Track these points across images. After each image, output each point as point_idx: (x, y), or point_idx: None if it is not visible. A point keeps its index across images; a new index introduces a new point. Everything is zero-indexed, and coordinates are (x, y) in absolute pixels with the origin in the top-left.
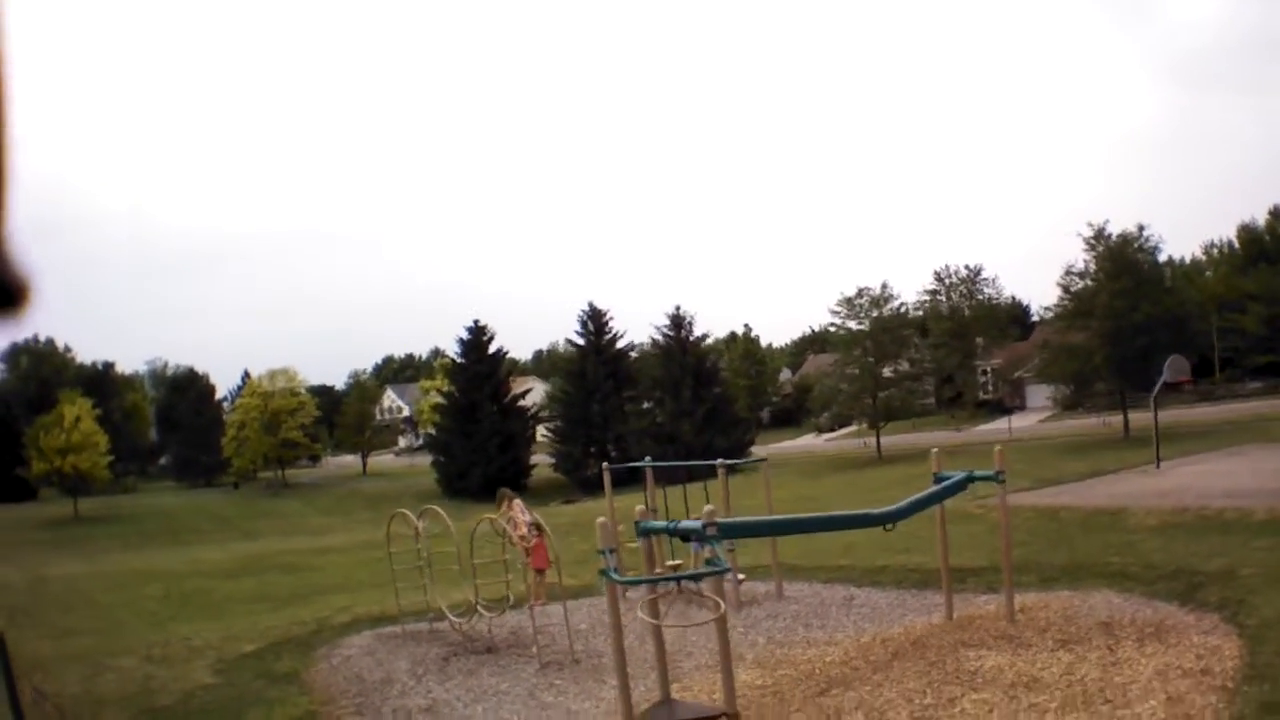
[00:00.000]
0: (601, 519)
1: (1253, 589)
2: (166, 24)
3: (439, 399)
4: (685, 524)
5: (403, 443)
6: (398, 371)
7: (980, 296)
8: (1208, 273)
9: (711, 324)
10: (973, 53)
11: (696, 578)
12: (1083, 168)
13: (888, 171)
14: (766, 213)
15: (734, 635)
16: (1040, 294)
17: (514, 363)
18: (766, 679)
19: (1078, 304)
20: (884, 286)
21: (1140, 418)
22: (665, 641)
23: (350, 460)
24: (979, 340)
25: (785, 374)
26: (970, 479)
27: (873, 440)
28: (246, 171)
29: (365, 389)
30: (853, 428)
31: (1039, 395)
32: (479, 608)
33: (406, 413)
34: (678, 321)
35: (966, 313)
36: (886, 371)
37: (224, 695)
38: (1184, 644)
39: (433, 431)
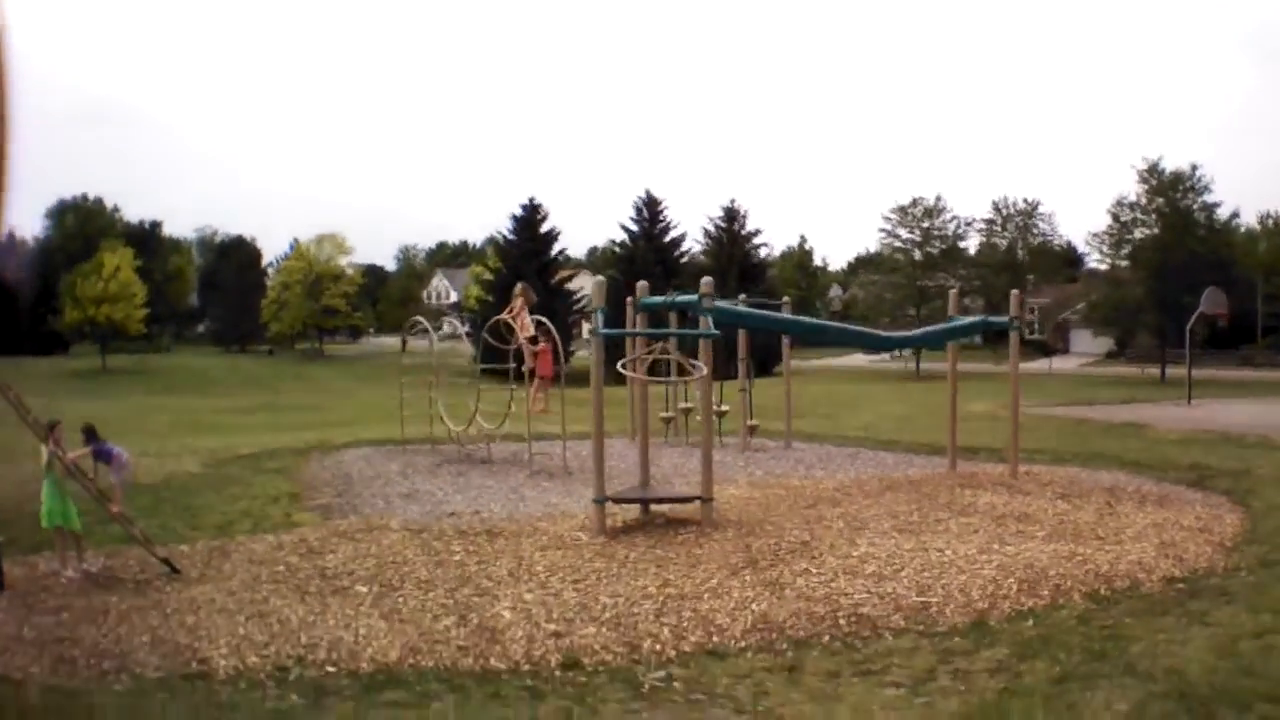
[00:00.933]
0: (598, 279)
1: (1263, 481)
2: None
3: (488, 276)
4: (681, 299)
5: (446, 327)
6: (451, 257)
7: (1035, 232)
8: (1261, 244)
9: (770, 237)
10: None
11: (683, 336)
12: (1154, 131)
13: (959, 101)
14: (833, 134)
15: (734, 468)
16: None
17: (568, 259)
18: (755, 494)
19: (1124, 231)
20: (938, 198)
21: (1178, 371)
22: (662, 462)
23: (390, 341)
24: (1030, 277)
25: (835, 290)
26: (986, 323)
27: (913, 363)
28: (305, 60)
29: (414, 268)
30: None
31: (1083, 341)
32: (478, 419)
33: (454, 298)
34: (731, 214)
35: (1020, 247)
36: (932, 285)
37: (206, 479)
38: (1186, 509)
39: (475, 309)
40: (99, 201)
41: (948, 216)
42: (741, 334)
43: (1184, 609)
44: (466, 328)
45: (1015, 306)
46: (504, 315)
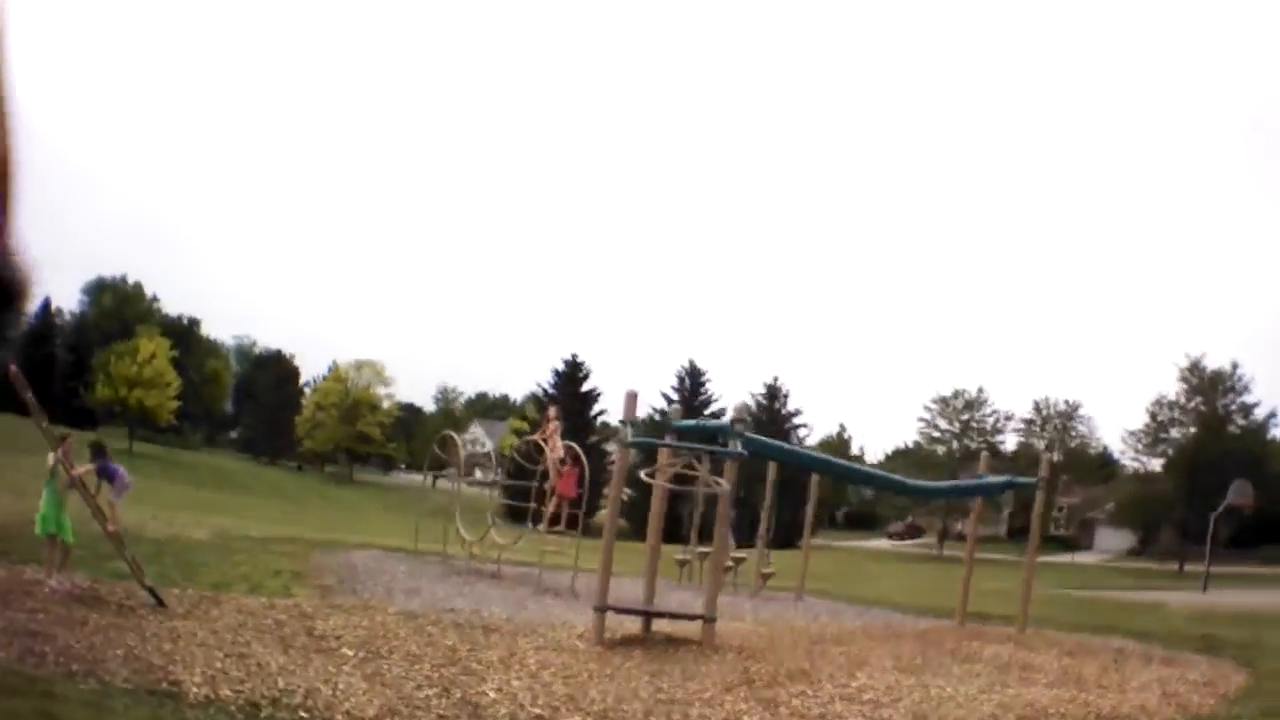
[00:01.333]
0: (630, 391)
1: (1271, 650)
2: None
3: (525, 427)
4: (712, 423)
5: (480, 475)
6: (490, 408)
7: (1073, 434)
8: None
9: (810, 418)
10: (1121, 195)
11: (709, 451)
12: (1195, 330)
13: (1008, 304)
14: (878, 323)
15: (743, 609)
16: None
17: (606, 425)
18: (760, 629)
19: (1160, 430)
20: (979, 390)
21: (1197, 568)
22: (669, 600)
23: (421, 479)
24: (1063, 477)
25: None
26: (1011, 484)
27: (938, 548)
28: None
29: (453, 412)
30: (923, 539)
31: (1107, 538)
32: (493, 534)
33: (489, 448)
34: (773, 392)
35: (1057, 447)
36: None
37: (212, 547)
38: (1191, 668)
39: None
40: (138, 285)
41: (988, 410)
42: (769, 489)
43: None
44: (494, 476)
45: (1045, 468)
46: (536, 436)
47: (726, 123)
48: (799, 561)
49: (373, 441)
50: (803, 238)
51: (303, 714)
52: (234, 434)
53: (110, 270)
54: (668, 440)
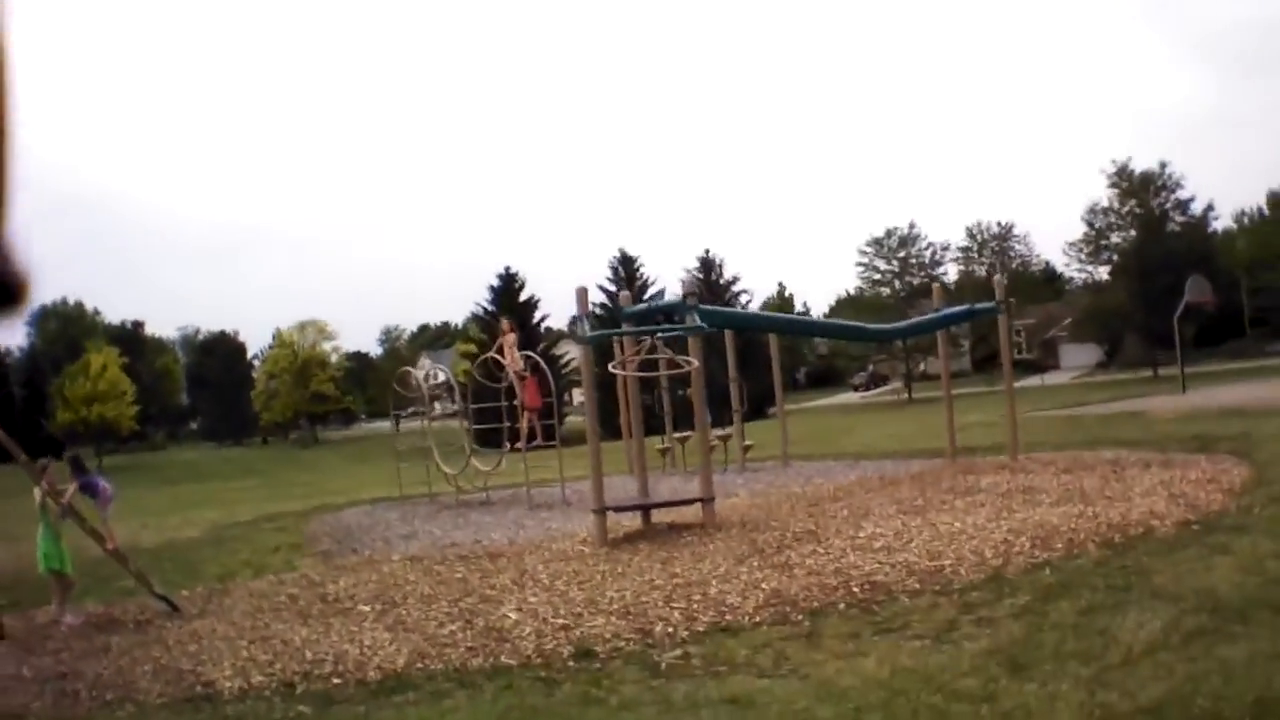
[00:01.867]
0: (580, 286)
1: (1265, 439)
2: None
3: (473, 349)
4: (665, 303)
5: (439, 408)
6: (434, 339)
7: (1012, 255)
8: (1239, 240)
9: (749, 284)
10: (1022, 14)
11: (670, 331)
12: (1122, 141)
13: (927, 130)
14: (798, 173)
15: (734, 485)
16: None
17: (549, 330)
18: (757, 500)
19: (1099, 237)
20: (911, 226)
21: (1171, 370)
22: (660, 489)
23: (384, 425)
24: (1012, 299)
25: None
26: (973, 312)
27: (905, 394)
28: (280, 147)
29: (400, 351)
30: (889, 386)
31: (1072, 355)
32: (474, 461)
33: (443, 378)
34: (707, 265)
35: (999, 270)
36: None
37: (207, 541)
38: (1191, 468)
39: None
40: (79, 305)
41: (923, 244)
42: (730, 358)
43: (1203, 543)
44: (457, 406)
45: (999, 291)
46: (492, 353)
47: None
48: (774, 430)
49: (329, 399)
50: (711, 99)
51: (336, 680)
52: (194, 425)
53: (47, 294)
54: (625, 329)
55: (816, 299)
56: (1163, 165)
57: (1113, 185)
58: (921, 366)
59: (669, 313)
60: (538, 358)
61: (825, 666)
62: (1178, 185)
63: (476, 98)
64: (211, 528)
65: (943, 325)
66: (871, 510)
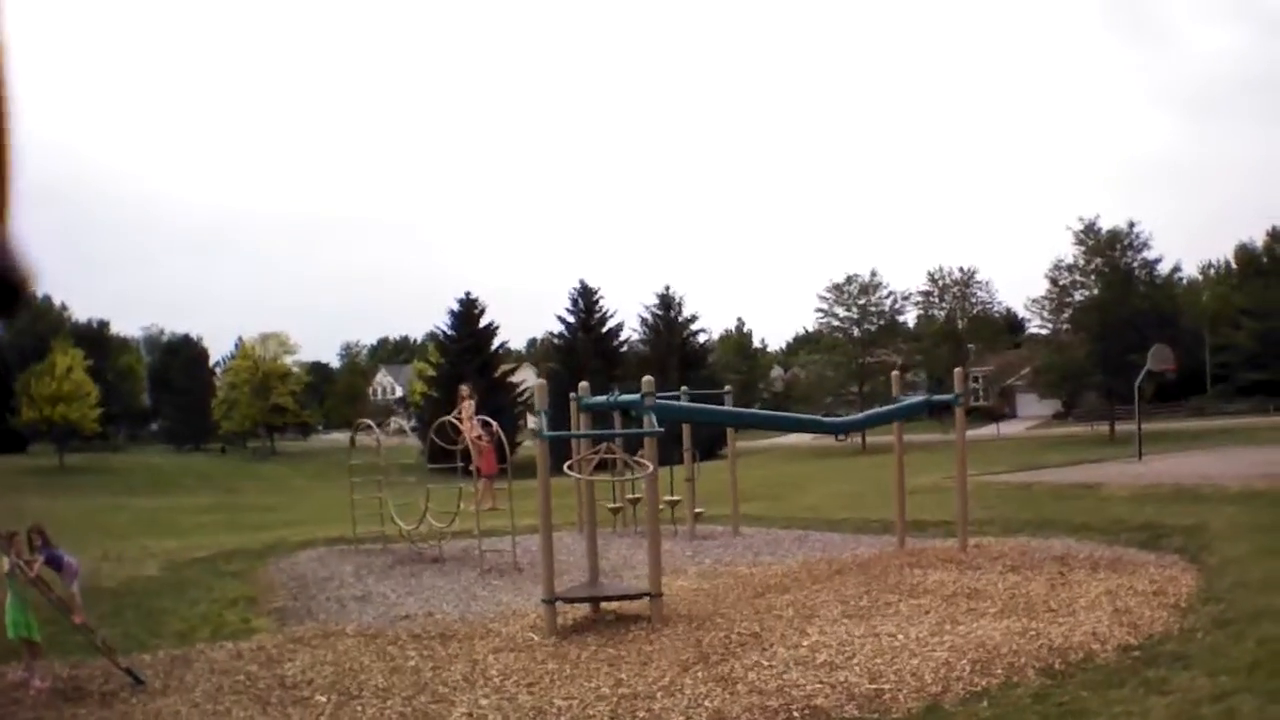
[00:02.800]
0: (540, 381)
1: (1217, 536)
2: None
3: (431, 372)
4: (624, 398)
5: (394, 424)
6: (393, 353)
7: (973, 300)
8: (1204, 294)
9: (707, 322)
10: (986, 68)
11: (628, 436)
12: (1088, 191)
13: (891, 177)
14: (766, 218)
15: (682, 558)
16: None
17: (509, 352)
18: (705, 585)
19: (1063, 294)
20: (873, 274)
21: (1127, 428)
22: (610, 554)
23: (339, 437)
24: (971, 346)
25: (777, 371)
26: (929, 403)
27: (859, 438)
28: (251, 153)
29: (358, 365)
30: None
31: (1030, 405)
32: (429, 518)
33: (400, 394)
34: (666, 302)
35: (959, 316)
36: (873, 361)
37: (166, 583)
38: (1139, 573)
39: (420, 404)
40: (47, 299)
41: (884, 292)
42: (686, 455)
43: (1141, 678)
44: (413, 423)
45: (959, 383)
46: (450, 418)
47: (599, 30)
48: (725, 477)
49: (287, 411)
50: (683, 135)
51: None
52: (155, 426)
53: None
54: (583, 420)
55: (775, 335)
56: (1131, 224)
57: (1079, 242)
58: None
59: (626, 407)
60: (494, 424)
61: None
62: (1145, 245)
63: (447, 118)
64: (170, 564)
65: (900, 417)
66: (817, 611)
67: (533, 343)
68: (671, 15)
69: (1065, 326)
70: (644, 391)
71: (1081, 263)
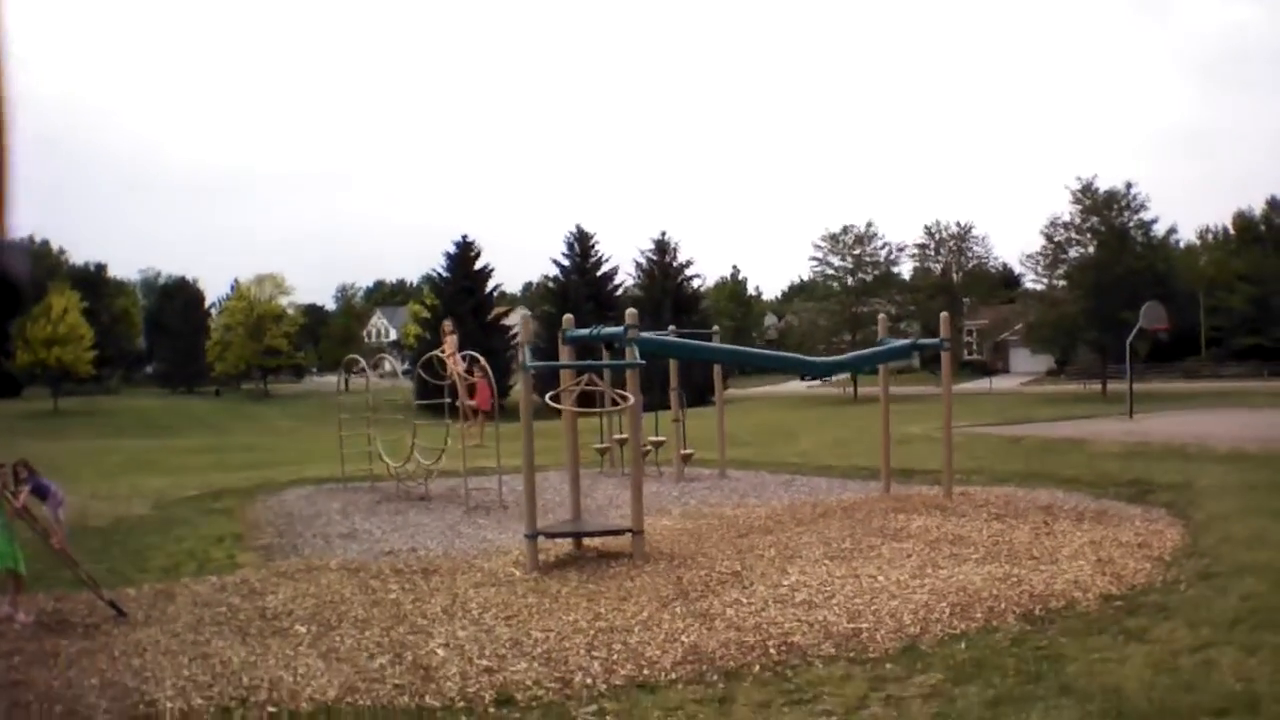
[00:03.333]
0: (524, 313)
1: (1205, 494)
2: None
3: (423, 313)
4: (607, 330)
5: (387, 364)
6: (389, 295)
7: (969, 255)
8: (1201, 259)
9: (703, 269)
10: (996, 23)
11: (610, 367)
12: (1091, 154)
13: (893, 130)
14: (763, 162)
15: (668, 499)
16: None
17: (504, 295)
18: (688, 525)
19: (1059, 251)
20: (869, 225)
21: (1120, 387)
22: (596, 494)
23: (332, 379)
24: (966, 300)
25: (771, 319)
26: (916, 346)
27: (850, 388)
28: (250, 97)
29: (353, 307)
30: (835, 379)
31: (1022, 360)
32: (416, 456)
33: (393, 336)
34: (662, 247)
35: (955, 270)
36: (866, 310)
37: (154, 521)
38: (1124, 526)
39: (414, 346)
40: (45, 243)
41: (879, 243)
42: (673, 364)
43: (1121, 627)
44: (405, 366)
45: (945, 328)
46: (436, 353)
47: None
48: (713, 423)
49: (282, 353)
50: (681, 81)
51: (271, 709)
52: (149, 369)
53: (16, 234)
54: (566, 352)
55: (770, 284)
56: (1128, 185)
57: (1076, 201)
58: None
59: (610, 340)
60: (483, 361)
61: None
62: (1142, 206)
63: (447, 65)
64: (159, 502)
65: (885, 360)
66: (799, 552)
67: (528, 286)
68: None
69: (1060, 283)
70: (627, 324)
71: (1078, 221)
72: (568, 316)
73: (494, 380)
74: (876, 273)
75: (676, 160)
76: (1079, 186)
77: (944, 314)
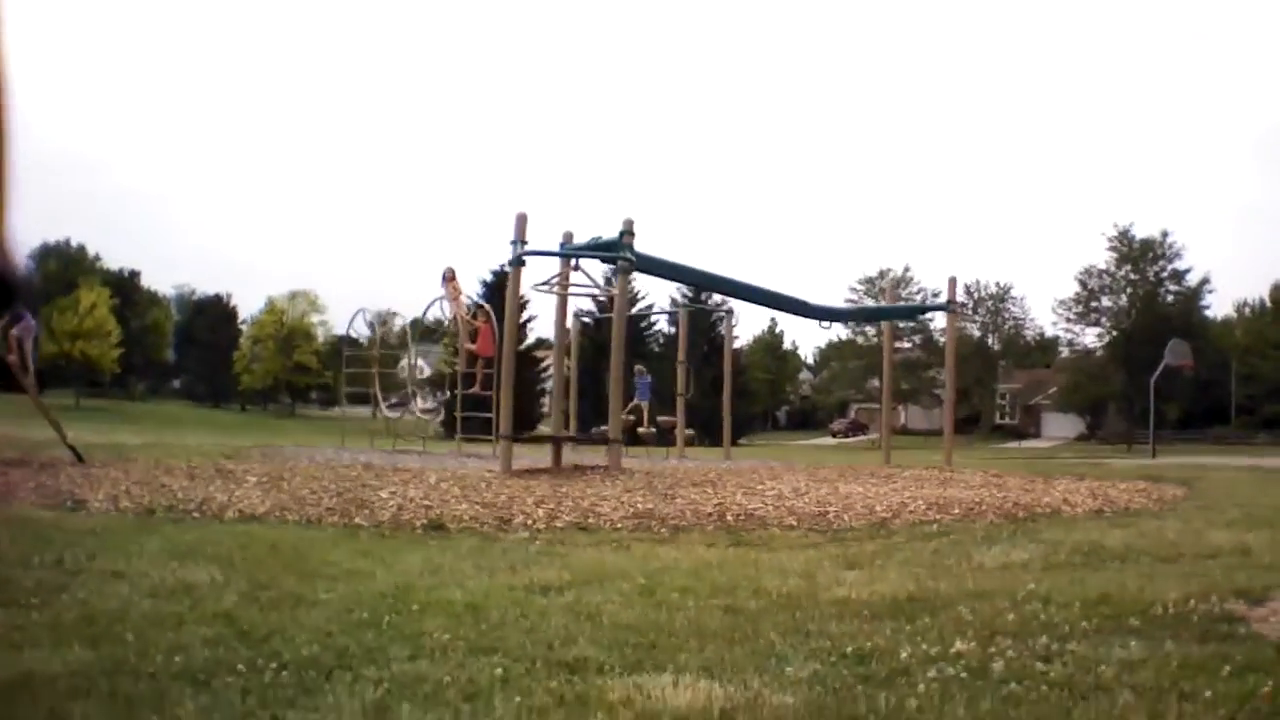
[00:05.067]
0: (520, 212)
1: (1210, 480)
2: None
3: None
4: (604, 240)
5: (420, 402)
6: (427, 333)
7: (1006, 316)
8: (1237, 331)
9: (741, 322)
10: (1046, 77)
11: (595, 254)
12: (1138, 220)
13: (935, 186)
14: (801, 215)
15: (663, 463)
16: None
17: (538, 341)
18: (673, 464)
19: (1091, 298)
20: (906, 269)
21: (1147, 448)
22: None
23: (363, 411)
24: (1001, 363)
25: (805, 375)
26: (922, 308)
27: (878, 444)
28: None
29: (389, 341)
30: (866, 437)
31: (1055, 425)
32: (417, 409)
33: (428, 374)
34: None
35: (991, 330)
36: (900, 357)
37: (149, 445)
38: (1130, 487)
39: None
40: (80, 248)
41: (915, 288)
42: (680, 368)
43: (1106, 521)
44: (438, 403)
45: (950, 290)
46: (438, 300)
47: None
48: (746, 452)
49: (310, 371)
50: (726, 113)
51: (195, 515)
52: (177, 383)
53: (50, 234)
54: (562, 258)
55: (806, 341)
56: (1164, 234)
57: (1112, 248)
58: (901, 420)
59: (606, 248)
60: (489, 307)
61: (661, 553)
62: (1176, 255)
63: (496, 106)
64: (157, 444)
65: (887, 317)
66: (781, 476)
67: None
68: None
69: (1091, 334)
70: (622, 230)
71: (1112, 269)
72: (567, 230)
73: (496, 327)
74: (912, 322)
75: (712, 193)
76: (1115, 233)
77: (951, 276)
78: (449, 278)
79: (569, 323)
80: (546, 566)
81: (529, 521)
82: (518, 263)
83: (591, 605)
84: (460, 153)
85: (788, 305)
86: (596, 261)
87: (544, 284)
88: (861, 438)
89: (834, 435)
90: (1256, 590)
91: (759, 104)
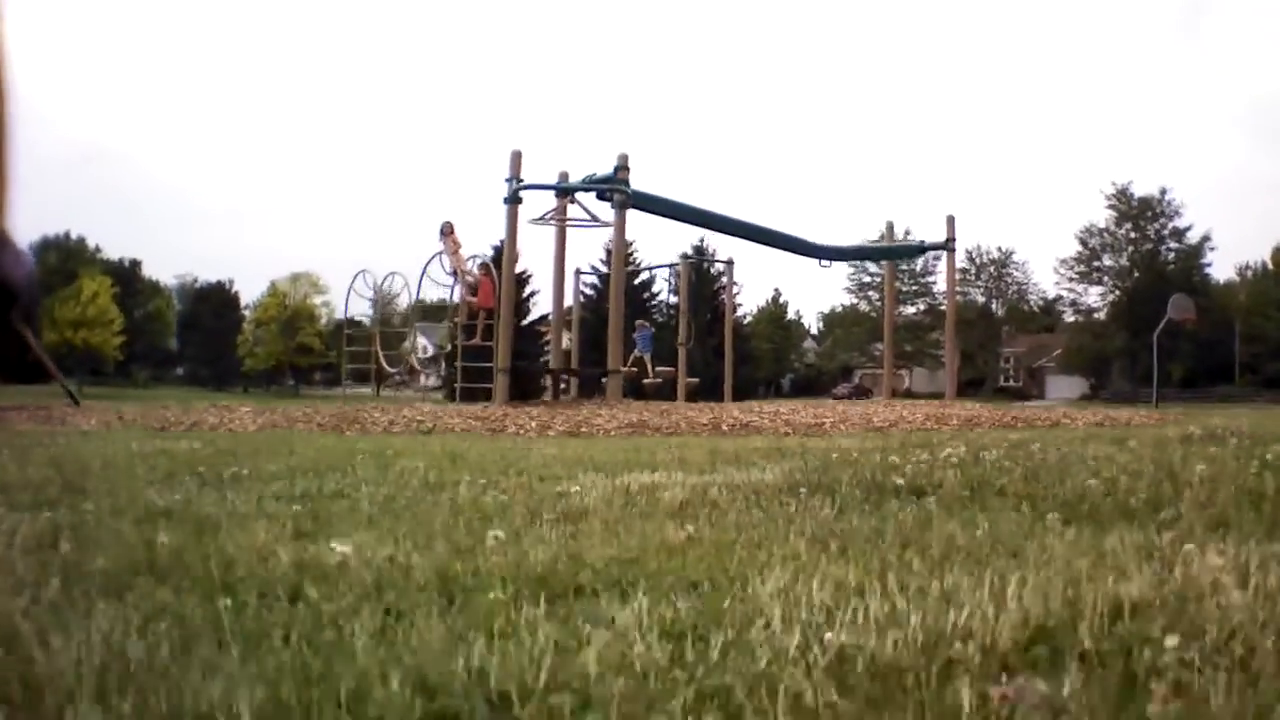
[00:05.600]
0: (515, 150)
1: (1212, 416)
2: None
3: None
4: (599, 176)
5: (424, 380)
6: (427, 313)
7: (1009, 281)
8: (1240, 294)
9: (745, 291)
10: (1056, 45)
11: (592, 188)
12: (1141, 184)
13: (936, 150)
14: (805, 171)
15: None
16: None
17: (541, 317)
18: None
19: (1092, 257)
20: (906, 233)
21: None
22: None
23: (366, 391)
24: (1005, 327)
25: (809, 344)
26: (921, 248)
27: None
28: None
29: (392, 322)
30: (870, 400)
31: (1058, 386)
32: (411, 358)
33: (431, 352)
34: (700, 251)
35: (994, 295)
36: (901, 320)
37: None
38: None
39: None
40: (81, 240)
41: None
42: (682, 319)
43: (1106, 439)
44: (438, 378)
45: (949, 229)
46: (438, 255)
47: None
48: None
49: (313, 352)
50: (728, 81)
51: (191, 431)
52: (180, 370)
53: (49, 228)
54: (558, 192)
55: (809, 306)
56: (1163, 191)
57: (1111, 206)
58: (905, 384)
59: (602, 183)
60: (489, 262)
61: (648, 441)
62: (1176, 213)
63: (496, 67)
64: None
65: (887, 256)
66: (782, 410)
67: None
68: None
69: (1093, 293)
70: (617, 164)
71: (1112, 226)
72: (563, 170)
73: (496, 280)
74: (915, 284)
75: (718, 168)
76: (1114, 191)
77: (948, 215)
78: (448, 231)
79: (568, 282)
80: (541, 447)
81: (521, 431)
82: (514, 199)
83: (577, 450)
84: (457, 120)
85: (786, 243)
86: (593, 198)
87: (541, 218)
88: (866, 402)
89: (836, 399)
90: None
91: (761, 58)
